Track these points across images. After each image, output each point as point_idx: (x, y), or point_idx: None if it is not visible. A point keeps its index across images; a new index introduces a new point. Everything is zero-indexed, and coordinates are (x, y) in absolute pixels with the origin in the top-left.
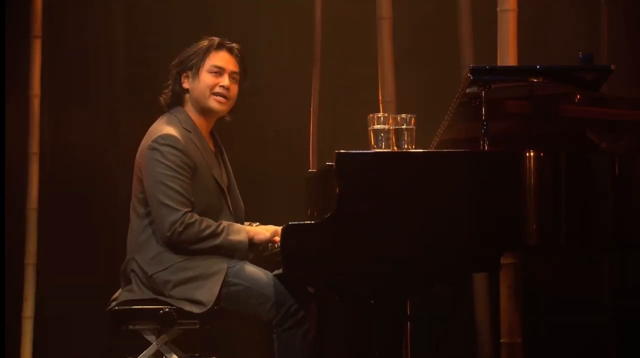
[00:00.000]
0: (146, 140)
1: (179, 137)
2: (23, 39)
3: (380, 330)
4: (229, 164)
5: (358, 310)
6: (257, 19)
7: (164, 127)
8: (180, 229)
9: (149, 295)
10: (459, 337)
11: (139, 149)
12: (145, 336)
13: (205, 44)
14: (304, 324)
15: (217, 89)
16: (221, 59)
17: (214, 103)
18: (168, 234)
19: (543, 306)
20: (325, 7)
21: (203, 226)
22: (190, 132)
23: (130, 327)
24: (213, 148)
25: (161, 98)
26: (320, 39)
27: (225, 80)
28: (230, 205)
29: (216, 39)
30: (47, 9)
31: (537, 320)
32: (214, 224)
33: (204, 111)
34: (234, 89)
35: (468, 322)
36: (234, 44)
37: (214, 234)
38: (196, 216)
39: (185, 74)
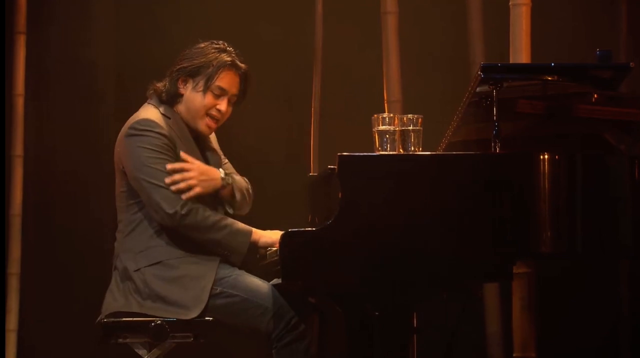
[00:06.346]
0: (124, 129)
1: (157, 121)
2: (6, 35)
3: (385, 342)
4: (218, 152)
5: (362, 321)
6: (255, 14)
7: (140, 113)
8: (184, 212)
9: (126, 294)
10: (469, 350)
11: (117, 140)
12: (136, 350)
13: (218, 57)
14: (305, 338)
15: (213, 112)
16: (227, 80)
17: (203, 126)
18: (171, 212)
19: (558, 318)
20: (327, 0)
21: (207, 213)
22: (169, 118)
23: (120, 340)
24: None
25: (151, 91)
26: (321, 34)
27: (223, 105)
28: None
29: (228, 57)
30: (31, 3)
31: (552, 333)
32: (217, 215)
33: (189, 125)
34: (229, 110)
35: (478, 335)
36: (243, 65)
37: (217, 226)
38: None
39: (185, 79)
